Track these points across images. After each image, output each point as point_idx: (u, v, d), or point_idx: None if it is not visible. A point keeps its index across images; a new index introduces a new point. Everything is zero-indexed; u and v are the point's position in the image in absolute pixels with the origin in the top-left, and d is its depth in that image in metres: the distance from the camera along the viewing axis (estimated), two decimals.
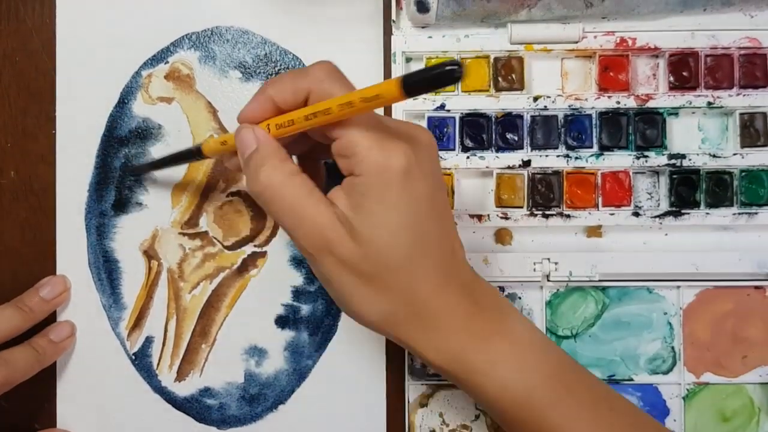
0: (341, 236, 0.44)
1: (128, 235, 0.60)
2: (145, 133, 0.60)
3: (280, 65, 0.60)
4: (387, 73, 0.59)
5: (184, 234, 0.60)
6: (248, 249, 0.60)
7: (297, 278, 0.60)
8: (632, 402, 0.53)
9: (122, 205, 0.60)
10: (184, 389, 0.60)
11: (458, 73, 0.37)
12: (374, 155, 0.43)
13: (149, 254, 0.60)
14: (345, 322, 0.59)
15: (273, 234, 0.60)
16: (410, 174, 0.43)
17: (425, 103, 0.58)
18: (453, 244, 0.47)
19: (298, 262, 0.60)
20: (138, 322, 0.60)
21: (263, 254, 0.60)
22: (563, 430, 0.47)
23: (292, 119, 0.44)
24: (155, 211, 0.60)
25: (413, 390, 0.59)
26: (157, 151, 0.60)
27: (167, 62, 0.60)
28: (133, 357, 0.60)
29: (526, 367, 0.47)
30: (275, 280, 0.60)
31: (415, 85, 0.38)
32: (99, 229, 0.60)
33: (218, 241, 0.60)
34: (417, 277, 0.44)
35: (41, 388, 0.59)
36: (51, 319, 0.59)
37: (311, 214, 0.44)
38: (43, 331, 0.59)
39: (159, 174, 0.60)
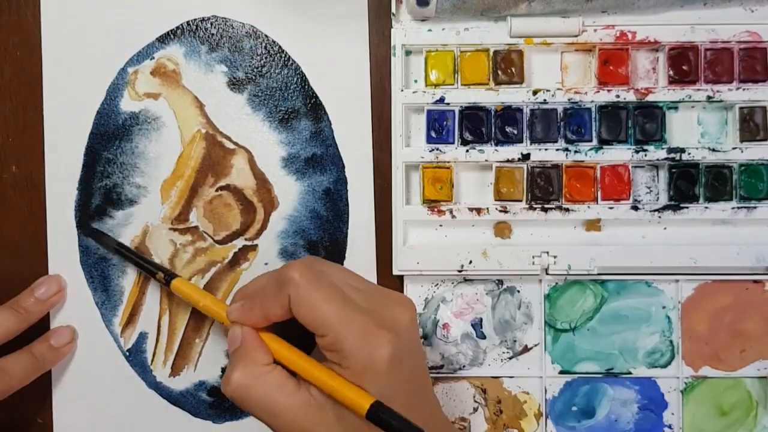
0: (316, 422, 0.47)
1: (119, 232, 0.60)
2: (133, 129, 0.60)
3: (265, 58, 0.59)
4: (373, 68, 0.59)
5: (174, 229, 0.60)
6: (239, 243, 0.60)
7: None
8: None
9: (112, 202, 0.60)
10: (179, 384, 0.60)
11: None
12: (360, 351, 0.46)
13: (140, 250, 0.60)
14: None
15: (263, 227, 0.60)
16: (395, 360, 0.46)
17: (425, 96, 0.57)
18: (430, 408, 0.51)
19: (288, 254, 0.60)
20: (131, 318, 0.60)
21: (254, 248, 0.60)
22: None
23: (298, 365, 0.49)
24: (145, 208, 0.60)
25: None
26: (144, 146, 0.60)
27: (153, 58, 0.60)
28: (128, 353, 0.60)
29: None
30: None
31: (379, 421, 0.44)
32: (90, 226, 0.60)
33: (209, 235, 0.60)
34: None
35: (37, 386, 0.58)
36: (45, 319, 0.59)
37: (283, 408, 0.47)
38: (43, 336, 0.58)
39: (147, 168, 0.59)
